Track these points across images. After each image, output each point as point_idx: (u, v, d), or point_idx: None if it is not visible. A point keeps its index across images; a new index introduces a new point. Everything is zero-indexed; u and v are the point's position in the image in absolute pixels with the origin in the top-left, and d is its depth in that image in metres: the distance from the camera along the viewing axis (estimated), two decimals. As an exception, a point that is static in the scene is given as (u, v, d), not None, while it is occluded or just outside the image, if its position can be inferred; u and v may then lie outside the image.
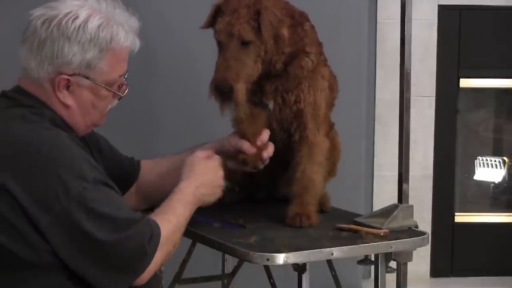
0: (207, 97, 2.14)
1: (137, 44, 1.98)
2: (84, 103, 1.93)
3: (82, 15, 1.89)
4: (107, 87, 1.94)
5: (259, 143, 2.21)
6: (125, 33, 1.94)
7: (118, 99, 2.02)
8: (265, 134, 2.23)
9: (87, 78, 1.90)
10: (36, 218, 1.76)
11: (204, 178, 2.07)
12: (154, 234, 1.86)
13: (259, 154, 2.21)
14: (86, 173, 1.80)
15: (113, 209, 1.81)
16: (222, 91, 2.12)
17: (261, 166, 2.22)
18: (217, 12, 2.16)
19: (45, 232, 1.76)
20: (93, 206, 1.78)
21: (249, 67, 2.15)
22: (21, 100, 1.90)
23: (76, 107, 1.93)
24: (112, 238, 1.78)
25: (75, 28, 1.87)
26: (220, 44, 2.16)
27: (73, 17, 1.88)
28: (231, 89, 2.11)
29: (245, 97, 2.16)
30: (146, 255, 1.83)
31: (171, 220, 1.93)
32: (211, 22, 2.18)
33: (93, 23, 1.89)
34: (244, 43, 2.13)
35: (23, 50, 1.91)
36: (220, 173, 2.11)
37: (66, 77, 1.89)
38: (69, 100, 1.91)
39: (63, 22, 1.87)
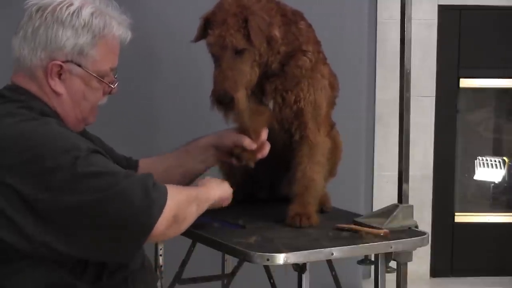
0: (210, 109, 2.15)
1: (129, 35, 2.00)
2: (75, 93, 1.94)
3: (76, 3, 1.93)
4: (98, 77, 1.95)
5: (258, 143, 2.21)
6: (117, 24, 1.97)
7: (109, 93, 2.02)
8: (265, 134, 2.23)
9: (79, 66, 1.92)
10: (38, 201, 1.76)
11: (213, 183, 2.11)
12: (157, 182, 1.85)
13: (254, 154, 2.21)
14: (79, 144, 1.82)
15: (110, 168, 1.83)
16: (224, 102, 2.12)
17: (253, 165, 2.22)
18: (206, 24, 2.16)
19: (48, 214, 1.77)
20: (90, 170, 1.78)
21: (247, 74, 2.16)
22: (11, 96, 1.91)
23: (67, 96, 1.94)
24: (113, 190, 1.78)
25: (69, 13, 1.91)
26: (214, 56, 2.16)
27: (67, 4, 1.92)
28: (232, 99, 2.12)
29: (247, 103, 2.17)
30: (153, 201, 1.81)
31: (172, 185, 1.94)
32: (202, 35, 2.18)
33: (87, 11, 1.93)
34: (238, 52, 2.13)
35: (16, 39, 1.94)
36: (226, 184, 2.16)
37: (59, 63, 1.91)
38: (60, 88, 1.92)
39: (58, 8, 1.91)
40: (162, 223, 1.82)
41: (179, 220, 1.89)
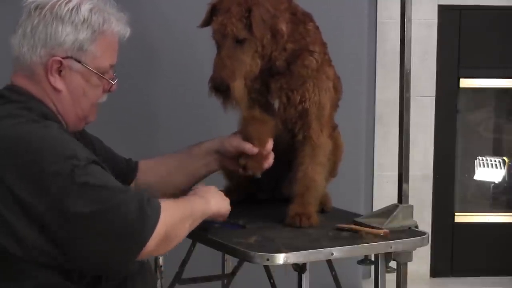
0: (208, 95, 2.15)
1: (127, 31, 2.01)
2: (75, 89, 1.94)
3: (74, 0, 1.93)
4: (98, 73, 1.95)
5: (264, 152, 2.20)
6: (116, 20, 1.98)
7: (109, 90, 2.02)
8: (270, 144, 2.22)
9: (79, 62, 1.92)
10: (32, 205, 1.76)
11: (214, 197, 2.08)
12: (151, 198, 1.84)
13: (260, 163, 2.20)
14: (77, 153, 1.81)
15: (107, 181, 1.81)
16: (220, 90, 2.13)
17: (259, 175, 2.22)
18: (213, 11, 2.18)
19: (42, 220, 1.76)
20: (87, 180, 1.77)
21: (246, 64, 2.16)
22: (11, 97, 1.91)
23: (67, 93, 1.94)
24: (108, 204, 1.77)
25: (68, 10, 1.91)
26: (216, 43, 2.17)
27: (65, 1, 1.92)
28: (228, 88, 2.12)
29: (245, 93, 2.17)
30: (147, 218, 1.80)
31: (167, 201, 1.92)
32: (208, 21, 2.19)
33: (86, 7, 1.93)
34: (239, 41, 2.14)
35: (15, 38, 1.94)
36: (227, 200, 2.13)
37: (59, 59, 1.91)
38: (60, 85, 1.92)
39: (56, 5, 1.92)
40: (154, 240, 1.81)
41: (171, 237, 1.87)
